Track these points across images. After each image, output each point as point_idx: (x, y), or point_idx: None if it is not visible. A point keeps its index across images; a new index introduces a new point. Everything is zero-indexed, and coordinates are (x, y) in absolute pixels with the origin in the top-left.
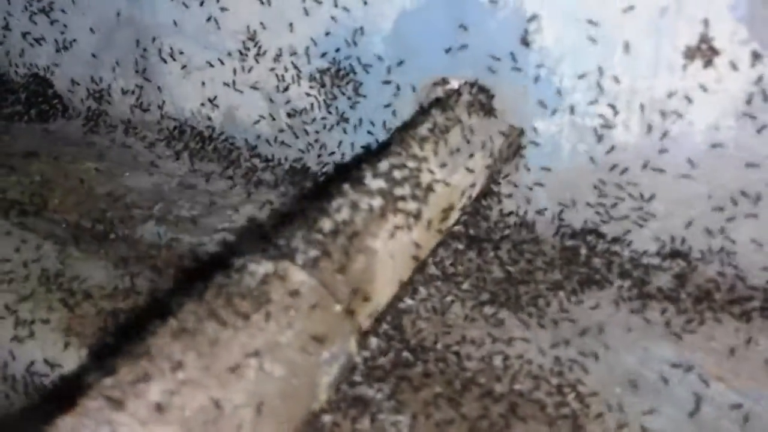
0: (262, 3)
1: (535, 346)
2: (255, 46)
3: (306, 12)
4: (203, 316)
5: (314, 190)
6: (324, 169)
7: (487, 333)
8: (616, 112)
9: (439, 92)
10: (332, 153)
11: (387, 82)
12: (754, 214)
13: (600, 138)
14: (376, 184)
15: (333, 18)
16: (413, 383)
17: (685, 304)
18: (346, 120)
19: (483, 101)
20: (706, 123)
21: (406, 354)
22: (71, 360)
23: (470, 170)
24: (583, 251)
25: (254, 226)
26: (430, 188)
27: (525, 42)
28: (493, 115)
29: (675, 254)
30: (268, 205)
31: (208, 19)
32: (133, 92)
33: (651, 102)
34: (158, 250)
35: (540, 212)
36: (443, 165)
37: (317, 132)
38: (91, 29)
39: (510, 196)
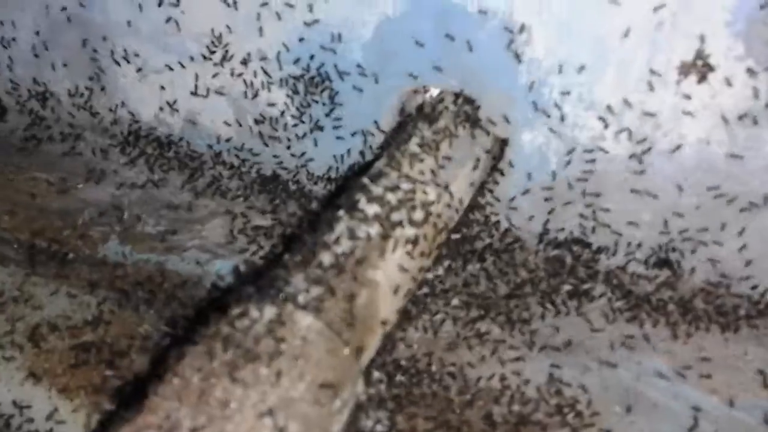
0: (228, 5)
1: (530, 365)
2: (221, 49)
3: (278, 16)
4: (209, 373)
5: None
6: (295, 177)
7: (480, 352)
8: (606, 125)
9: (419, 100)
10: (304, 161)
11: (364, 90)
12: (741, 225)
13: (588, 150)
14: (371, 209)
15: (306, 23)
16: (409, 411)
17: (674, 316)
18: (320, 128)
19: (468, 112)
20: (697, 137)
21: (400, 378)
22: (40, 400)
23: (461, 186)
24: (569, 261)
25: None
26: (426, 211)
27: (514, 53)
28: (479, 126)
29: (662, 263)
30: (240, 219)
31: (168, 20)
32: (81, 95)
33: (642, 115)
34: (124, 271)
35: (524, 223)
36: (436, 184)
37: (289, 140)
38: (34, 27)
39: (494, 207)
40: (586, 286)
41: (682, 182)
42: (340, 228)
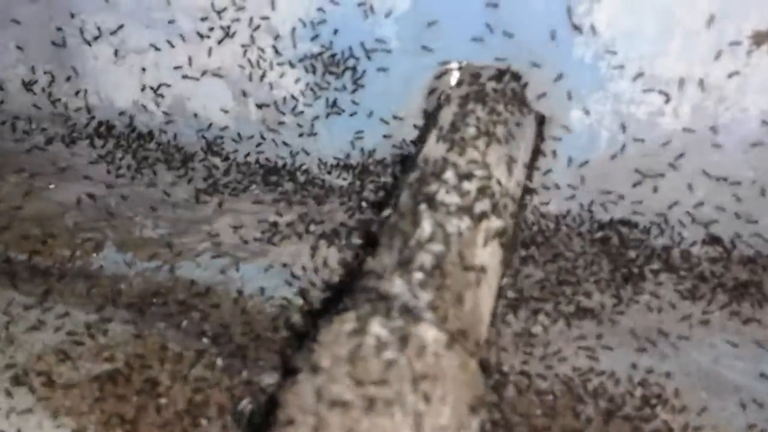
0: None
1: (604, 356)
2: (221, 25)
3: None
4: (342, 411)
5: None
6: (303, 166)
7: (550, 348)
8: (667, 99)
9: (458, 78)
10: (315, 148)
11: (391, 69)
12: None
13: (645, 126)
14: (453, 200)
15: None
16: (496, 416)
17: (733, 293)
18: (338, 112)
19: (516, 90)
20: (761, 109)
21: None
22: None
23: (520, 169)
24: (615, 242)
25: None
26: (505, 198)
27: (574, 24)
28: (525, 104)
29: (713, 240)
30: (250, 216)
31: None
32: (36, 81)
33: (706, 88)
34: (128, 284)
35: (567, 204)
36: (501, 168)
37: (299, 125)
38: None
39: (535, 188)
40: (639, 269)
41: (741, 158)
42: (428, 224)
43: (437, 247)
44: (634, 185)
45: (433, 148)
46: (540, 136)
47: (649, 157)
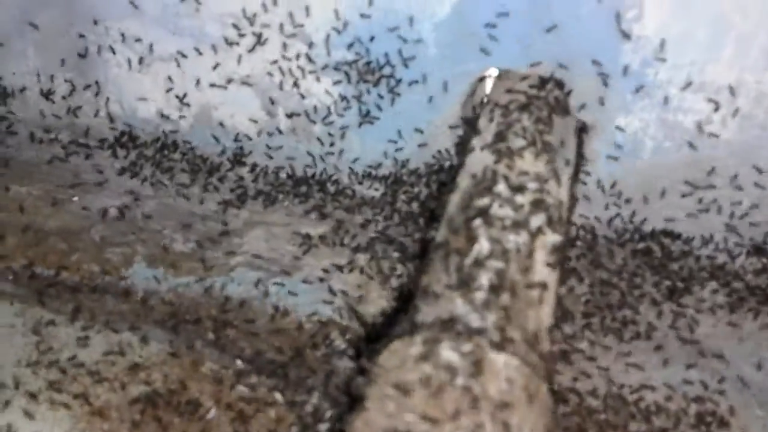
0: None
1: (655, 372)
2: (252, 32)
3: None
4: None
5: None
6: (334, 176)
7: (597, 364)
8: (717, 107)
9: (498, 86)
10: (347, 158)
11: (429, 76)
12: None
13: (692, 134)
14: (507, 214)
15: (367, 1)
16: None
17: None
18: (371, 121)
19: (559, 98)
20: None
21: None
22: None
23: (567, 180)
24: (658, 254)
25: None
26: (558, 211)
27: (622, 31)
28: (568, 113)
29: (757, 250)
30: (281, 228)
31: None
32: (55, 90)
33: (757, 96)
34: (160, 299)
35: (607, 214)
36: (552, 180)
37: (330, 134)
38: None
39: (576, 199)
40: (684, 281)
41: None
42: (486, 240)
43: (497, 264)
44: (679, 195)
45: (479, 159)
46: (581, 145)
47: (695, 167)
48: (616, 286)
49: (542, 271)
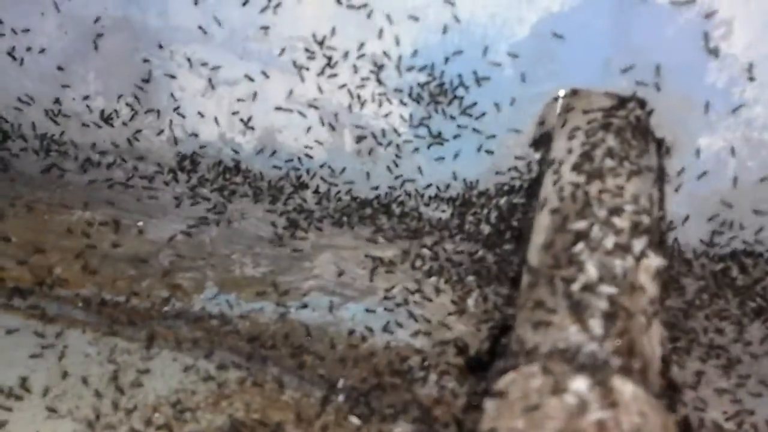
0: (340, 3)
1: (749, 400)
2: (323, 56)
3: (410, 16)
4: None
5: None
6: (399, 198)
7: (691, 391)
8: None
9: (571, 107)
10: (414, 180)
11: (503, 97)
12: None
13: None
14: (607, 237)
15: (445, 24)
16: None
17: None
18: (441, 143)
19: (641, 117)
20: None
21: None
22: None
23: (656, 201)
24: (736, 274)
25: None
26: (657, 233)
27: (711, 49)
28: (649, 132)
29: None
30: (350, 252)
31: (252, 23)
32: (117, 114)
33: None
34: (233, 325)
35: (686, 234)
36: (644, 201)
37: (398, 156)
38: (58, 35)
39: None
40: (763, 302)
41: None
42: (593, 266)
43: (609, 289)
44: (760, 214)
45: (566, 180)
46: (661, 165)
47: None
48: (699, 308)
49: (649, 296)
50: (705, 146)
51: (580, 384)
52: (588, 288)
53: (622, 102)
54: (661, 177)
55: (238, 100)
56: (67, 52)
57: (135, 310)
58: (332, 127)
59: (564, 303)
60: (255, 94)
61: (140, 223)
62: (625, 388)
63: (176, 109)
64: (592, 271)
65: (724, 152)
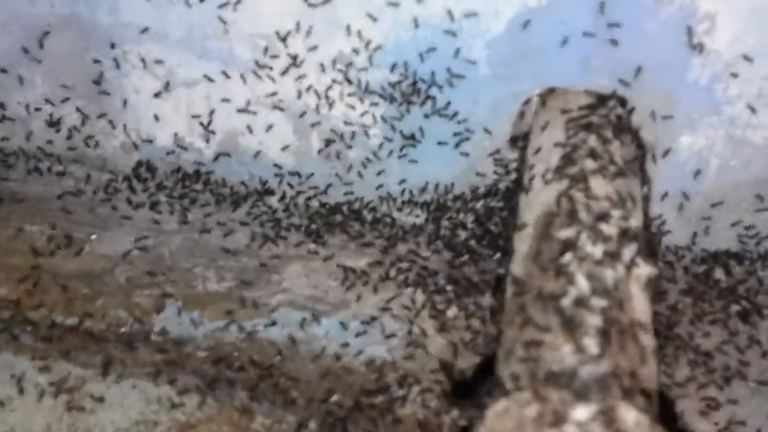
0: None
1: (742, 408)
2: (286, 54)
3: (375, 11)
4: None
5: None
6: (370, 204)
7: (680, 399)
8: None
9: (554, 105)
10: (385, 184)
11: (479, 96)
12: None
13: (762, 151)
14: (595, 246)
15: (415, 19)
16: None
17: None
18: (413, 144)
19: (621, 116)
20: None
21: None
22: None
23: (640, 204)
24: (720, 277)
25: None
26: (642, 240)
27: (694, 45)
28: (630, 131)
29: None
30: (320, 263)
31: (211, 21)
32: (64, 119)
33: None
34: (197, 347)
35: (670, 236)
36: (630, 204)
37: (368, 159)
38: None
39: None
40: (753, 304)
41: None
42: (582, 278)
43: (600, 303)
44: (745, 215)
45: (548, 186)
46: (642, 165)
47: (763, 185)
48: (683, 312)
49: (641, 308)
50: (686, 145)
51: (581, 413)
52: (580, 302)
53: (601, 100)
54: (644, 178)
55: (195, 102)
56: (10, 52)
57: (89, 333)
58: (298, 130)
59: (555, 320)
60: (213, 96)
61: (93, 237)
62: (628, 415)
63: (130, 112)
64: (582, 283)
65: (706, 151)
